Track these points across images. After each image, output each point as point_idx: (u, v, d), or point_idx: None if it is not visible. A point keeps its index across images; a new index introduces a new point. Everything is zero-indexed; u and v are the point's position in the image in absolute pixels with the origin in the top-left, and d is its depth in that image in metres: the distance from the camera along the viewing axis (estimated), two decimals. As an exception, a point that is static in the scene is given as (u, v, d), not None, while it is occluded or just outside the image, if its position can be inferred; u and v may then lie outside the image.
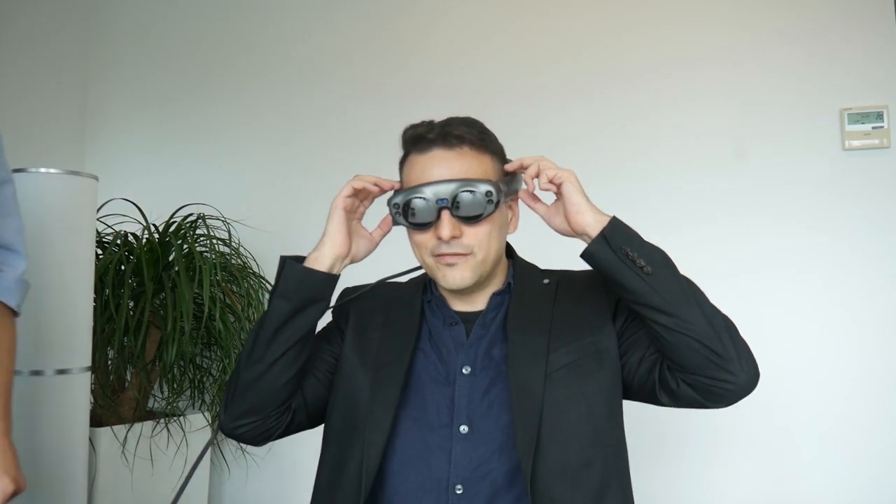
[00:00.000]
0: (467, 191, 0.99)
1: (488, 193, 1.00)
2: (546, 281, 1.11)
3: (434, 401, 1.03)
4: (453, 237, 1.00)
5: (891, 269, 1.80)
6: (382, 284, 1.16)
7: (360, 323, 1.12)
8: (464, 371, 1.04)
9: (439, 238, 1.01)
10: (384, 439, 1.00)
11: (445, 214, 1.00)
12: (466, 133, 1.04)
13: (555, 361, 1.01)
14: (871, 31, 1.85)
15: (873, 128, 1.81)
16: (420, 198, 1.00)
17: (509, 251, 1.17)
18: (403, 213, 1.02)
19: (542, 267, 1.17)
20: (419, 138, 1.05)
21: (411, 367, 1.05)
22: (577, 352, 1.03)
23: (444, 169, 1.02)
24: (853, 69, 1.86)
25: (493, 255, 1.05)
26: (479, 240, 1.02)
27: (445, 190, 1.00)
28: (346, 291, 1.18)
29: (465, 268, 1.02)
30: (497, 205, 1.01)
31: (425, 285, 1.14)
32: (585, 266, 1.00)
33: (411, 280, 1.17)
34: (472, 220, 1.01)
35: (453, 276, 1.03)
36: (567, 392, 1.00)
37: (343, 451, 1.04)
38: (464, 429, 1.00)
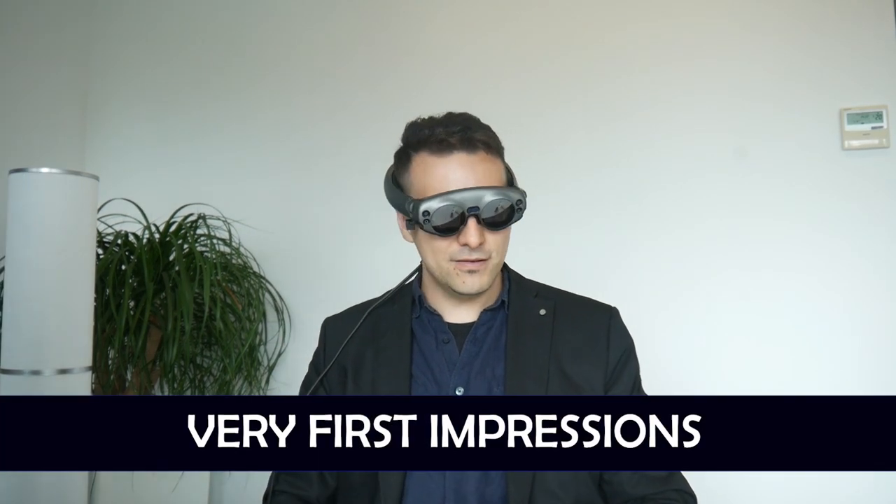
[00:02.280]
0: (499, 198, 1.00)
1: (519, 202, 1.01)
2: (542, 312, 1.10)
3: None
4: (480, 244, 1.00)
5: (891, 268, 1.80)
6: (368, 311, 1.14)
7: (355, 369, 1.11)
8: (457, 392, 1.04)
9: (464, 244, 1.00)
10: (400, 480, 1.01)
11: (472, 221, 0.99)
12: (486, 137, 1.03)
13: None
14: (870, 31, 1.85)
15: (873, 128, 1.81)
16: (451, 204, 0.99)
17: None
18: (431, 220, 1.00)
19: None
20: (439, 140, 1.02)
21: None
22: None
23: (468, 174, 1.00)
24: (853, 69, 1.86)
25: (503, 259, 1.08)
26: (497, 246, 1.03)
27: (477, 197, 0.99)
28: (328, 323, 1.18)
29: (484, 273, 1.03)
30: (523, 212, 1.03)
31: (413, 301, 1.13)
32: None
33: (398, 296, 1.15)
34: (498, 226, 1.01)
35: (472, 282, 1.03)
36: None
37: (359, 496, 1.05)
38: None
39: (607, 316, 1.11)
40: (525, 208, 1.02)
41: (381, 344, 1.10)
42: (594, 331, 1.09)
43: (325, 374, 1.12)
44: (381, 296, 1.16)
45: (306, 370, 1.20)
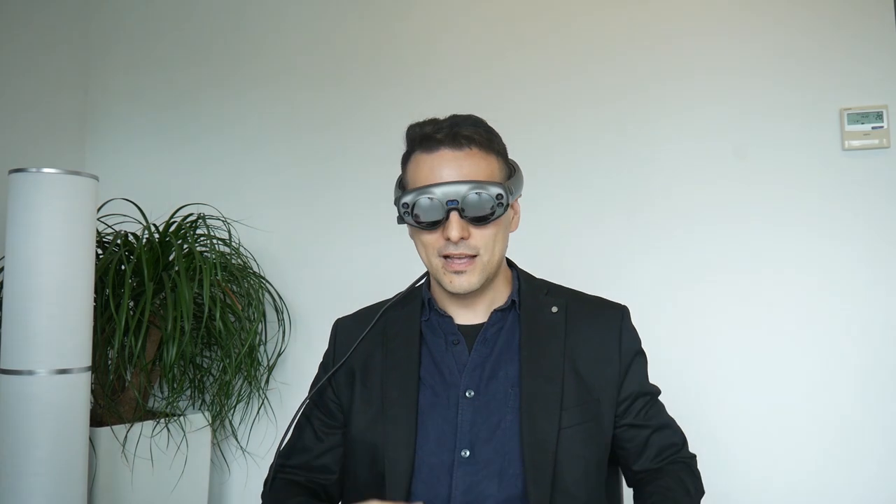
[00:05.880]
0: (478, 192, 0.99)
1: (499, 196, 1.00)
2: (554, 309, 1.10)
3: (436, 426, 1.03)
4: (461, 238, 1.00)
5: (891, 269, 1.80)
6: (378, 312, 1.15)
7: (364, 372, 1.11)
8: (467, 395, 1.04)
9: (447, 239, 1.01)
10: (406, 481, 1.01)
11: (454, 215, 1.00)
12: (475, 133, 1.03)
13: (567, 418, 1.03)
14: (870, 31, 1.85)
15: (873, 128, 1.81)
16: (429, 198, 1.00)
17: (508, 262, 1.16)
18: (412, 213, 1.02)
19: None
20: (427, 137, 1.04)
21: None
22: (585, 413, 1.05)
23: (452, 169, 1.01)
24: (853, 69, 1.86)
25: (498, 256, 1.06)
26: (485, 241, 1.02)
27: (456, 191, 0.99)
28: (339, 324, 1.18)
29: (472, 273, 1.03)
30: (506, 207, 1.01)
31: (423, 304, 1.13)
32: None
33: (409, 297, 1.15)
34: (481, 221, 1.01)
35: (460, 282, 1.03)
36: (576, 449, 1.02)
37: (370, 494, 1.04)
38: (465, 453, 1.01)
39: (619, 315, 1.12)
40: (507, 203, 1.01)
41: (390, 347, 1.10)
42: (607, 329, 1.10)
43: (334, 376, 1.12)
44: (392, 298, 1.16)
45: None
